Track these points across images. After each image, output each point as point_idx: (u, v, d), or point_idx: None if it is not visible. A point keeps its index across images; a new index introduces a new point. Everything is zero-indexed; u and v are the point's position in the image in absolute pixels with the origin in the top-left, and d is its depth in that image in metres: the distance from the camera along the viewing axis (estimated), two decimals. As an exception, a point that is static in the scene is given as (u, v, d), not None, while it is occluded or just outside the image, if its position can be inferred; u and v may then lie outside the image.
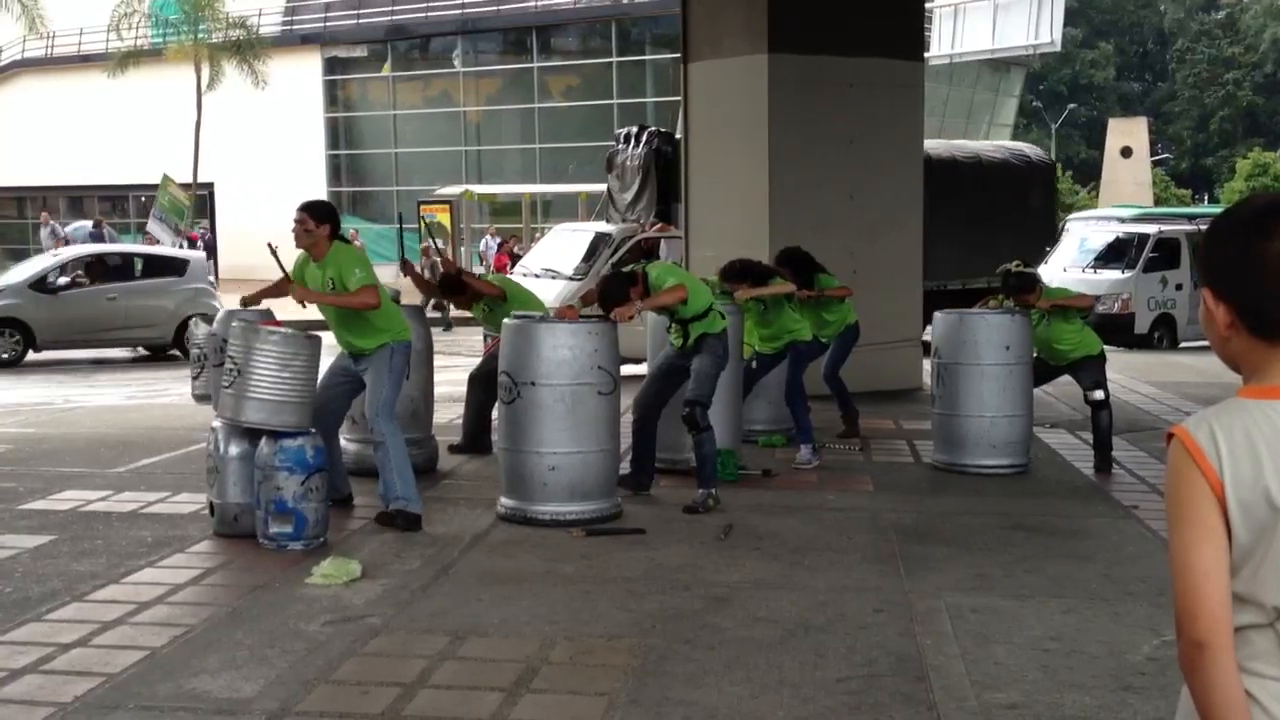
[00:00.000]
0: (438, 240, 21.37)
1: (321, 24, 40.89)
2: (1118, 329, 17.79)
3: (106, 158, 38.11)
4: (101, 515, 6.91)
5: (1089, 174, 51.05)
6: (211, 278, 19.27)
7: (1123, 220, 21.15)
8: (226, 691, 4.21)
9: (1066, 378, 8.75)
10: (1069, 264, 19.38)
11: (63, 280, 16.75)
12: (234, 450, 6.34)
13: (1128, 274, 18.87)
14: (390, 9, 39.88)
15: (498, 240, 28.32)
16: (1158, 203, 39.73)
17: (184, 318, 16.63)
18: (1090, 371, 8.43)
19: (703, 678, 4.36)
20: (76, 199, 41.98)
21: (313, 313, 7.07)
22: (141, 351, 17.47)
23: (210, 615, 5.09)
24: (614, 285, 7.07)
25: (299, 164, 38.31)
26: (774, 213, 11.53)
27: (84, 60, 39.66)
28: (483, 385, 8.62)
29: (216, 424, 6.52)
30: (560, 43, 40.02)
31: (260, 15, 37.25)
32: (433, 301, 13.73)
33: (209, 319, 8.33)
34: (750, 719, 4.03)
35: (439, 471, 8.21)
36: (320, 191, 35.93)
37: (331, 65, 40.79)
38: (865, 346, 9.93)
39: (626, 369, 7.75)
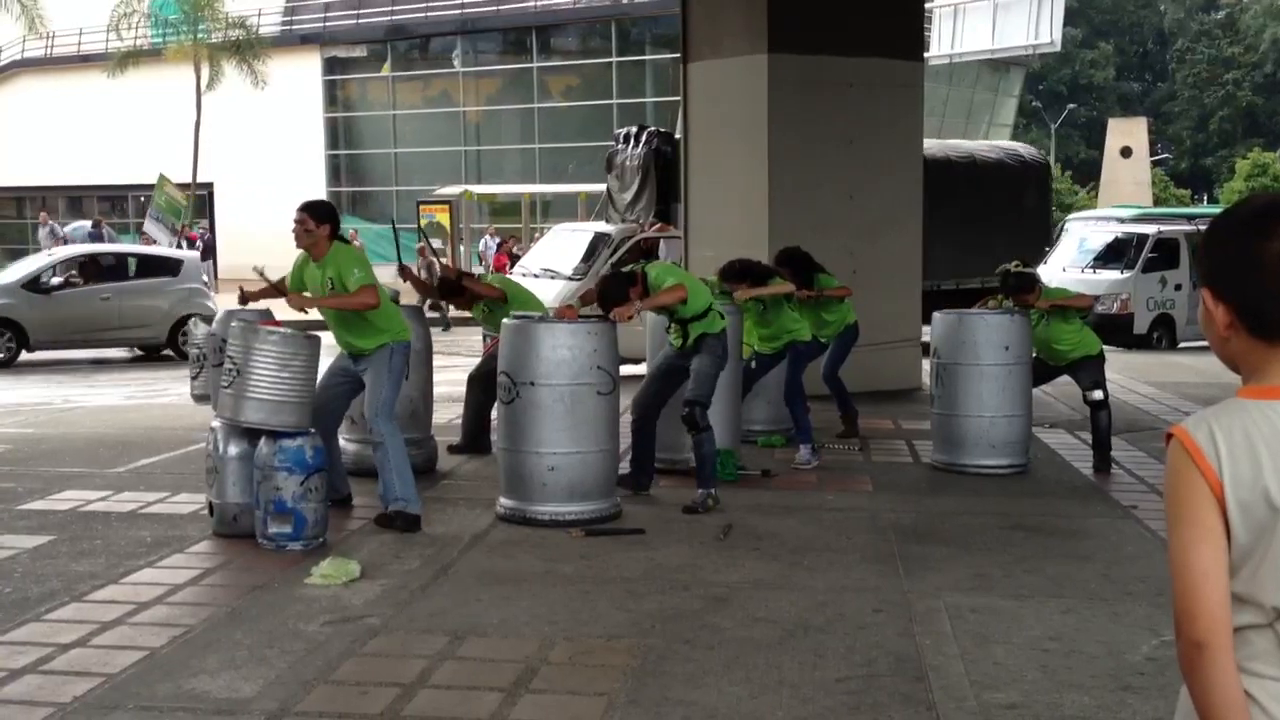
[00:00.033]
0: (434, 240, 21.34)
1: (321, 24, 40.90)
2: (1117, 329, 17.79)
3: (106, 158, 38.12)
4: (100, 515, 6.91)
5: (1089, 174, 51.06)
6: (205, 277, 19.23)
7: (1122, 220, 21.16)
8: (226, 692, 4.21)
9: (1066, 378, 8.76)
10: (1068, 264, 19.39)
11: (56, 280, 16.71)
12: (233, 450, 6.34)
13: (1127, 274, 18.87)
14: (390, 9, 39.89)
15: (497, 240, 28.32)
16: (1157, 203, 39.74)
17: (178, 318, 16.64)
18: (1089, 371, 8.44)
19: (702, 678, 4.36)
20: (76, 199, 41.99)
21: (312, 313, 7.07)
22: (138, 352, 17.46)
23: (209, 615, 5.09)
24: (613, 285, 7.07)
25: (298, 164, 38.32)
26: (773, 213, 11.53)
27: (84, 60, 39.67)
28: (482, 385, 8.61)
29: (216, 424, 6.52)
30: (560, 43, 40.03)
31: (260, 15, 37.25)
32: (429, 302, 13.74)
33: (208, 319, 8.33)
34: (749, 719, 4.03)
35: (438, 471, 8.21)
36: (320, 191, 35.93)
37: (331, 65, 40.80)
38: (865, 346, 9.93)
39: (626, 369, 7.75)
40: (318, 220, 6.58)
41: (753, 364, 8.77)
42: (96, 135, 38.65)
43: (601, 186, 17.23)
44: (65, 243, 24.77)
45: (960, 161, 16.74)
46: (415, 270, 10.65)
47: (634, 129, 15.80)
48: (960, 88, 40.59)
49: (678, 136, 13.90)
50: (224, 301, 14.46)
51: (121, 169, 37.31)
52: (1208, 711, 1.66)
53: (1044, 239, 18.79)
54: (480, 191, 32.49)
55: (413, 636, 4.84)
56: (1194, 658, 1.66)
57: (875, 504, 7.39)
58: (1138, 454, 8.89)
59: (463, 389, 9.12)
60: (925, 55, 17.08)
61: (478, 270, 21.90)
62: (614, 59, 37.95)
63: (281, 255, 6.82)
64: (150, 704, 4.10)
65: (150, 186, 25.39)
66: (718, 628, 4.93)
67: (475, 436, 8.86)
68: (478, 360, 9.64)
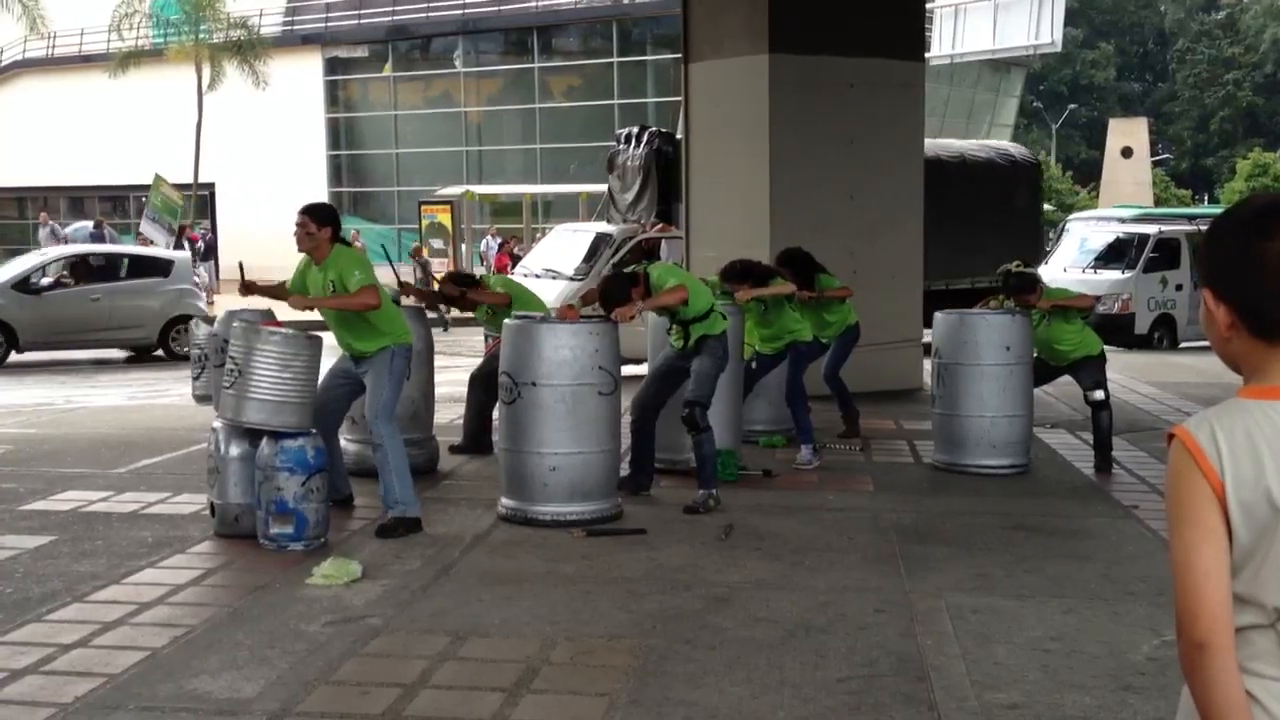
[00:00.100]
0: (434, 240, 21.33)
1: (322, 24, 40.92)
2: (1118, 329, 17.79)
3: (107, 158, 38.11)
4: (102, 516, 6.92)
5: (1089, 174, 51.07)
6: (198, 278, 19.13)
7: (1123, 220, 21.15)
8: (227, 692, 4.22)
9: (1067, 378, 8.76)
10: (1069, 264, 19.40)
11: (46, 280, 16.66)
12: (235, 451, 6.35)
13: (1128, 274, 18.87)
14: (391, 9, 39.90)
15: (498, 241, 28.34)
16: (1158, 203, 39.76)
17: (169, 318, 16.61)
18: (1090, 372, 8.44)
19: (703, 678, 4.36)
20: (77, 199, 41.97)
21: (314, 313, 7.08)
22: (130, 353, 17.39)
23: (211, 616, 5.09)
24: (615, 285, 7.08)
25: (300, 164, 38.34)
26: (774, 213, 11.53)
27: (85, 60, 39.69)
28: (483, 386, 8.62)
29: (217, 424, 6.53)
30: (561, 43, 40.04)
31: (261, 15, 37.23)
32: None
33: (210, 320, 8.33)
34: (751, 719, 4.03)
35: (440, 472, 8.21)
36: (321, 192, 35.97)
37: (332, 65, 40.81)
38: (865, 347, 9.93)
39: (627, 369, 7.75)
40: (319, 223, 6.58)
41: (754, 364, 8.77)
42: (98, 136, 38.67)
43: (603, 187, 17.23)
44: (66, 243, 24.74)
45: (951, 161, 16.49)
46: (413, 270, 10.67)
47: (635, 129, 15.80)
48: (961, 88, 40.61)
49: (679, 137, 13.90)
50: (224, 301, 14.46)
51: (123, 169, 37.29)
52: (1209, 711, 1.66)
53: (1035, 240, 18.65)
54: (482, 192, 32.49)
55: (414, 637, 4.84)
56: (1196, 658, 1.66)
57: (876, 504, 7.39)
58: (1139, 454, 8.89)
59: (464, 389, 9.13)
60: (926, 55, 17.04)
61: (479, 271, 21.90)
62: (615, 59, 37.96)
63: (282, 256, 6.83)
64: (152, 704, 4.10)
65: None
66: (719, 628, 4.93)
67: (477, 437, 8.86)
68: (479, 360, 9.65)
